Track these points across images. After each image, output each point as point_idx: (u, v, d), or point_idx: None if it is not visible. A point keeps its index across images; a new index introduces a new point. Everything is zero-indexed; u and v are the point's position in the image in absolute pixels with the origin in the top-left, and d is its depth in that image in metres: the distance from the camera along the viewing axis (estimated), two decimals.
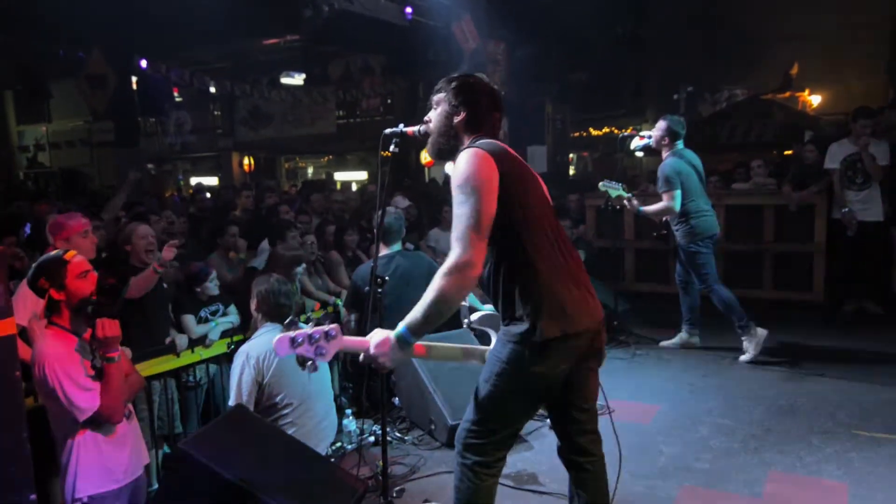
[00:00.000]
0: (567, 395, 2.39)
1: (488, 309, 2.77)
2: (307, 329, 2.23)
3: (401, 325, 2.25)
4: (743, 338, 5.32)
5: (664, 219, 5.59)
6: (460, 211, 2.20)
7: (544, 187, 2.47)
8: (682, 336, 5.73)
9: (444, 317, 2.24)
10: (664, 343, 5.78)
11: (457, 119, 2.42)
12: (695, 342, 5.69)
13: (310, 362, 2.22)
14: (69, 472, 2.60)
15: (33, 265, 2.64)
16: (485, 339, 2.66)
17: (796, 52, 14.15)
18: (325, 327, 2.25)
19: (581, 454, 2.46)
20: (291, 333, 2.20)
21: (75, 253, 2.71)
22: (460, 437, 2.44)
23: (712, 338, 5.71)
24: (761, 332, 5.25)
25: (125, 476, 2.73)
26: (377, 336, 2.28)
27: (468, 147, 2.31)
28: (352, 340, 2.34)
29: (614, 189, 5.61)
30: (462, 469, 2.41)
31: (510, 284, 2.30)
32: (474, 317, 2.70)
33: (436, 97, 2.49)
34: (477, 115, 2.42)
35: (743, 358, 5.30)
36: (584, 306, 2.30)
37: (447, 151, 2.47)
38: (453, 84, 2.44)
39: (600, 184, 5.69)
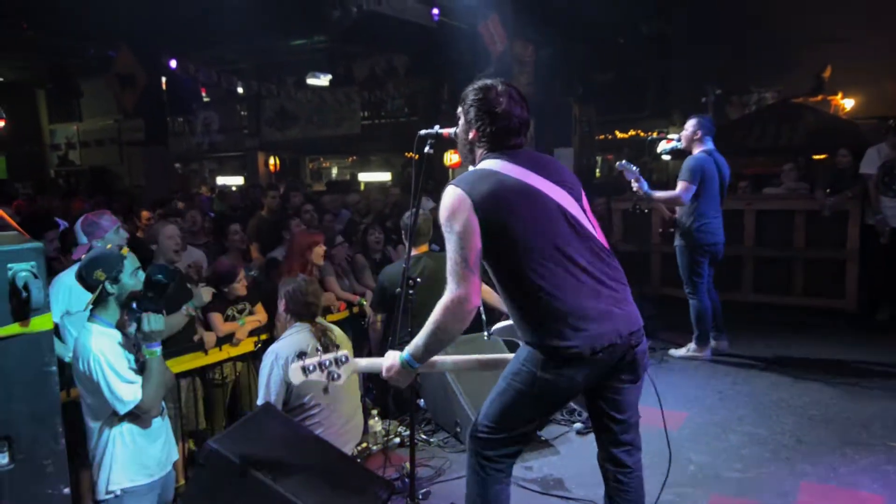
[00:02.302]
0: (600, 405, 2.38)
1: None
2: (318, 357, 2.43)
3: (405, 352, 2.38)
4: (693, 342, 5.50)
5: (672, 217, 5.46)
6: (449, 246, 2.25)
7: (562, 192, 2.31)
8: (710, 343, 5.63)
9: (444, 346, 2.35)
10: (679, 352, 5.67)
11: (471, 135, 2.43)
12: (723, 348, 5.59)
13: (324, 385, 2.38)
14: (104, 464, 2.64)
15: (87, 257, 2.69)
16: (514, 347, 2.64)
17: (829, 54, 13.88)
18: (336, 353, 2.44)
19: (614, 464, 2.43)
20: (302, 363, 2.40)
21: (128, 251, 2.77)
22: (472, 429, 2.49)
23: (741, 345, 5.62)
24: (706, 351, 5.46)
25: (157, 470, 2.78)
26: (388, 359, 2.43)
27: (452, 184, 2.29)
28: (365, 362, 2.52)
29: (631, 170, 5.43)
30: (469, 460, 2.49)
31: (517, 308, 2.32)
32: (495, 328, 2.71)
33: (459, 109, 2.48)
34: (490, 133, 2.37)
35: (673, 351, 5.57)
36: (606, 322, 2.23)
37: (470, 161, 2.52)
38: (470, 98, 2.41)
39: (618, 163, 5.55)
